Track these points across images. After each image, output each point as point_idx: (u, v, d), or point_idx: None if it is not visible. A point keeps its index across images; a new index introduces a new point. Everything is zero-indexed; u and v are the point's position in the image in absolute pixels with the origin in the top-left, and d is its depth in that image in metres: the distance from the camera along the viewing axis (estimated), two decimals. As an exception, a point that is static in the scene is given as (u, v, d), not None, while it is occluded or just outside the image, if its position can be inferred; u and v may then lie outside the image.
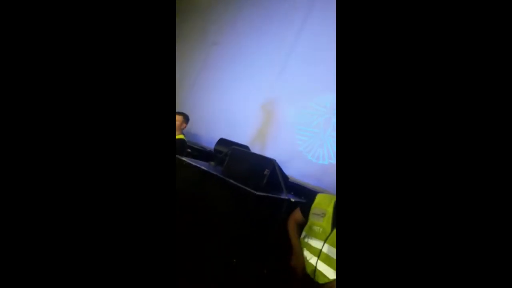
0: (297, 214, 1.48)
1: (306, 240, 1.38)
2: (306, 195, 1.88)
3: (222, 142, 2.62)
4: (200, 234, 1.64)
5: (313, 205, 1.45)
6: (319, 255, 1.30)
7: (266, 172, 1.75)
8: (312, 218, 1.41)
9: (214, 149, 2.66)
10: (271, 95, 5.28)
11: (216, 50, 4.87)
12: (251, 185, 1.66)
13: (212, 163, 2.19)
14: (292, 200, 1.74)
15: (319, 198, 1.49)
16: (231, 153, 2.06)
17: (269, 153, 3.75)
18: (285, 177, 1.90)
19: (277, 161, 1.83)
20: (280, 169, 1.83)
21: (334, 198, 1.43)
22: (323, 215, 1.38)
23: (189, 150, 2.97)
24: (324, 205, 1.43)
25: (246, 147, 2.43)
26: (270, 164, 1.78)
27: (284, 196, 1.69)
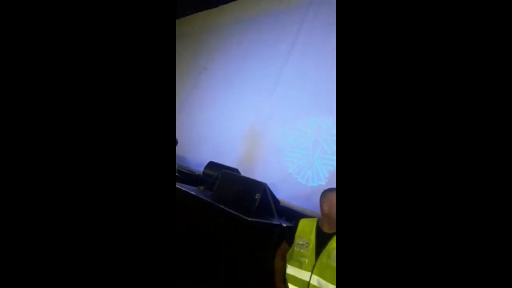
0: (281, 249, 1.44)
1: (293, 273, 1.34)
2: (297, 218, 1.85)
3: (212, 165, 2.59)
4: (189, 261, 1.56)
5: (297, 234, 1.42)
6: (308, 287, 1.26)
7: (257, 196, 1.73)
8: (297, 249, 1.38)
9: (203, 172, 2.62)
10: (259, 119, 5.36)
11: (206, 74, 4.97)
12: (242, 210, 1.63)
13: (201, 187, 2.15)
14: (284, 225, 1.71)
15: (302, 224, 1.46)
16: (221, 177, 2.03)
17: (258, 175, 3.72)
18: (276, 201, 1.88)
19: (267, 183, 1.81)
20: (271, 192, 1.82)
21: (315, 223, 1.41)
22: (307, 245, 1.36)
23: (177, 174, 2.91)
24: (307, 233, 1.40)
25: (236, 170, 2.41)
26: (261, 188, 1.77)
27: (275, 221, 1.66)
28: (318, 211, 2.51)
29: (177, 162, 3.28)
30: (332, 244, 1.29)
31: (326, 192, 1.42)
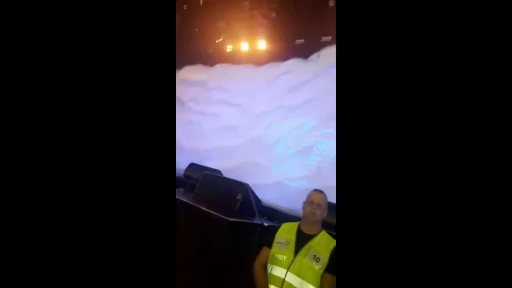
0: (262, 256, 1.44)
1: (269, 271, 1.34)
2: (279, 218, 1.87)
3: (193, 167, 2.56)
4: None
5: (277, 234, 1.43)
6: (282, 284, 1.27)
7: (239, 196, 1.72)
8: (276, 247, 1.38)
9: (184, 174, 2.57)
10: (242, 117, 5.35)
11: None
12: (223, 210, 1.61)
13: (182, 189, 2.11)
14: (266, 224, 1.72)
15: (283, 225, 1.48)
16: (202, 178, 2.01)
17: (241, 176, 3.71)
18: (258, 201, 1.88)
19: (250, 184, 1.81)
20: (253, 193, 1.82)
21: (296, 225, 1.43)
22: (287, 243, 1.37)
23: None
24: (288, 233, 1.42)
25: (218, 172, 2.39)
26: (242, 189, 1.76)
27: (257, 221, 1.66)
28: (300, 211, 2.54)
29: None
30: (311, 243, 1.30)
31: (310, 194, 1.44)
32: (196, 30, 4.75)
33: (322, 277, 1.23)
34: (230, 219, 1.45)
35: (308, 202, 1.41)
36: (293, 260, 1.28)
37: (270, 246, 1.41)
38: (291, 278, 1.26)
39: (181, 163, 3.00)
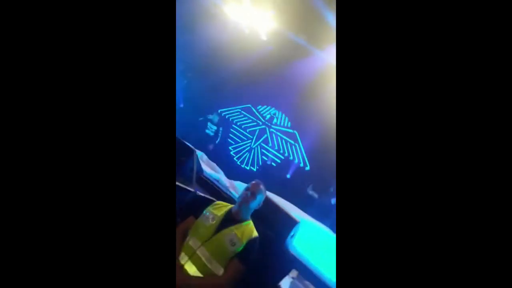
0: (186, 224, 1.45)
1: (187, 240, 1.38)
2: (214, 194, 1.90)
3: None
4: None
5: (208, 208, 1.46)
6: (192, 255, 1.31)
7: (182, 160, 1.70)
8: (201, 219, 1.42)
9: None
10: (218, 87, 5.19)
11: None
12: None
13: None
14: (199, 193, 1.73)
15: (216, 203, 1.51)
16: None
17: (196, 140, 3.66)
18: (200, 170, 1.88)
19: (202, 153, 1.79)
20: (198, 161, 1.81)
21: (228, 207, 1.48)
22: (213, 219, 1.41)
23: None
24: (218, 211, 1.46)
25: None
26: (189, 153, 1.74)
27: (191, 188, 1.66)
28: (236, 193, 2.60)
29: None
30: (234, 228, 1.35)
31: (254, 182, 1.48)
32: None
33: (230, 261, 1.29)
34: (164, 178, 1.42)
35: (246, 188, 1.46)
36: (211, 237, 1.33)
37: (196, 216, 1.43)
38: (202, 252, 1.30)
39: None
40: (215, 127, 4.54)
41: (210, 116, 4.59)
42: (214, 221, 1.39)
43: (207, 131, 4.50)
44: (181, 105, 5.15)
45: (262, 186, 1.49)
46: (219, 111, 5.10)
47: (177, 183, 1.53)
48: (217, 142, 4.55)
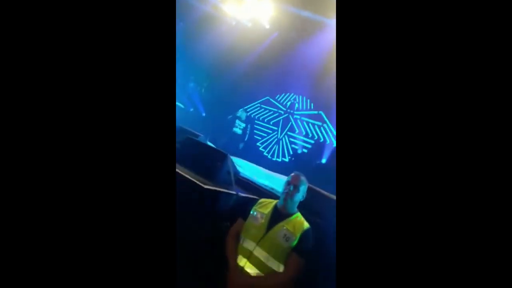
0: (236, 227, 1.47)
1: (241, 242, 1.39)
2: (256, 193, 1.90)
3: (178, 129, 2.50)
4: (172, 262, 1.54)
5: (254, 208, 1.47)
6: (250, 256, 1.32)
7: (218, 165, 1.72)
8: (250, 220, 1.42)
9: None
10: (234, 87, 5.20)
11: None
12: (202, 177, 1.62)
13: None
14: (241, 194, 1.75)
15: (261, 201, 1.51)
16: (183, 142, 1.97)
17: (224, 146, 3.71)
18: (236, 172, 1.89)
19: (232, 154, 1.81)
20: (232, 163, 1.82)
21: (274, 203, 1.47)
22: (261, 218, 1.41)
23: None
24: (264, 209, 1.45)
25: (200, 136, 2.36)
26: (222, 157, 1.75)
27: (233, 190, 1.68)
28: (277, 187, 2.60)
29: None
30: (284, 223, 1.35)
31: (293, 174, 1.46)
32: None
33: (288, 256, 1.29)
34: (206, 186, 1.45)
35: (287, 182, 1.44)
36: (264, 236, 1.33)
37: (245, 218, 1.45)
38: (259, 252, 1.31)
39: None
40: (243, 124, 4.57)
41: (238, 113, 4.63)
42: (263, 220, 1.39)
43: (234, 129, 4.54)
44: (204, 114, 5.26)
45: (302, 177, 1.46)
46: (245, 108, 5.11)
47: (218, 188, 1.55)
48: (246, 139, 4.59)
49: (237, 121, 4.59)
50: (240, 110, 4.67)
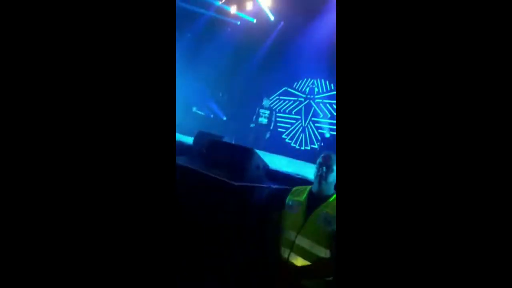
0: (274, 220, 1.44)
1: (283, 234, 1.36)
2: (288, 182, 1.86)
3: (201, 135, 2.55)
4: (183, 232, 1.59)
5: (289, 197, 1.43)
6: (292, 246, 1.29)
7: (245, 161, 1.71)
8: (286, 211, 1.39)
9: (194, 142, 2.58)
10: (250, 85, 5.19)
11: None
12: (232, 175, 1.62)
13: (183, 157, 2.12)
14: (274, 186, 1.72)
15: (294, 189, 1.47)
16: (208, 145, 2.00)
17: (251, 143, 3.72)
18: (265, 165, 1.86)
19: (259, 149, 1.79)
20: (259, 157, 1.80)
21: (308, 188, 1.41)
22: (298, 206, 1.36)
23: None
24: (299, 196, 1.40)
25: (225, 137, 2.37)
26: (248, 153, 1.74)
27: (265, 184, 1.66)
28: (308, 174, 2.53)
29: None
30: (323, 206, 1.29)
31: (323, 155, 1.40)
32: None
33: (333, 240, 1.22)
34: (237, 183, 1.45)
35: (318, 164, 1.38)
36: (304, 223, 1.29)
37: (281, 209, 1.42)
38: (301, 241, 1.27)
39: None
40: (268, 112, 4.48)
41: (263, 102, 4.56)
42: (300, 207, 1.35)
43: (260, 119, 4.46)
44: (224, 118, 5.32)
45: (333, 156, 1.38)
46: (266, 97, 5.08)
47: (251, 184, 1.54)
48: (271, 128, 4.48)
49: (261, 111, 4.48)
50: (263, 99, 4.58)
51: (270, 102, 4.66)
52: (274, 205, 1.47)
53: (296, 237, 1.29)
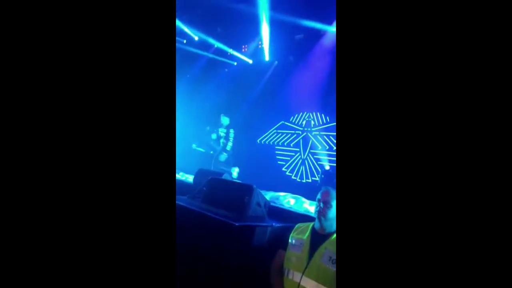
0: (277, 260, 1.40)
1: (285, 275, 1.31)
2: (290, 218, 1.83)
3: (201, 172, 2.55)
4: (184, 275, 1.52)
5: (291, 235, 1.39)
6: None
7: (246, 199, 1.70)
8: (290, 249, 1.35)
9: (194, 180, 2.58)
10: (245, 120, 5.34)
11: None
12: (232, 215, 1.60)
13: (184, 197, 2.10)
14: (276, 225, 1.69)
15: (297, 226, 1.44)
16: (208, 183, 2.00)
17: (251, 178, 3.70)
18: (266, 202, 1.85)
19: (257, 186, 1.79)
20: (260, 194, 1.79)
21: (310, 226, 1.39)
22: (301, 245, 1.33)
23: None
24: (302, 234, 1.38)
25: (225, 174, 2.38)
26: (249, 191, 1.74)
27: (266, 222, 1.63)
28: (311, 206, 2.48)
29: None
30: (326, 244, 1.26)
31: (321, 191, 1.40)
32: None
33: None
34: (237, 224, 1.42)
35: (317, 201, 1.37)
36: (308, 263, 1.24)
37: (284, 248, 1.37)
38: (306, 282, 1.22)
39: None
40: (225, 130, 4.03)
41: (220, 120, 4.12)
42: (303, 246, 1.31)
43: (216, 140, 4.09)
44: (224, 153, 5.36)
45: (332, 191, 1.38)
46: (257, 140, 5.16)
47: (252, 223, 1.51)
48: (228, 149, 4.04)
49: (220, 129, 4.00)
50: (221, 116, 4.13)
51: (228, 119, 4.22)
52: (277, 245, 1.42)
53: (301, 278, 1.23)
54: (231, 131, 4.11)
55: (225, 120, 4.15)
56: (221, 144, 4.07)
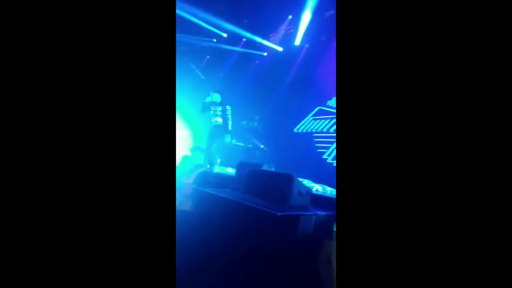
0: (324, 251, 1.35)
1: (334, 266, 1.26)
2: (332, 205, 1.76)
3: (241, 165, 2.60)
4: (229, 267, 1.58)
5: (335, 225, 1.33)
6: None
7: (287, 188, 1.68)
8: (335, 239, 1.29)
9: (235, 172, 2.64)
10: (280, 110, 5.26)
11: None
12: (274, 205, 1.59)
13: (226, 190, 2.16)
14: (320, 213, 1.64)
15: None
16: (248, 175, 2.02)
17: (293, 168, 3.66)
18: (308, 190, 1.80)
19: (300, 175, 1.75)
20: (300, 183, 1.75)
21: None
22: None
23: (211, 178, 2.98)
24: None
25: (263, 165, 2.38)
26: (288, 180, 1.71)
27: (309, 211, 1.59)
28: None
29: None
30: None
31: None
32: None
33: None
34: (279, 214, 1.41)
35: None
36: None
37: (330, 238, 1.33)
38: None
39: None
40: (220, 107, 3.49)
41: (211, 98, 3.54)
42: None
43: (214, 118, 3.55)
44: (261, 146, 5.39)
45: None
46: (294, 130, 5.04)
47: (294, 212, 1.49)
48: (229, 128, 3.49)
49: (212, 107, 3.44)
50: (210, 93, 3.50)
51: (220, 96, 3.57)
52: (322, 233, 1.38)
53: None
54: (228, 107, 3.52)
55: (216, 97, 3.52)
56: (214, 122, 3.56)
